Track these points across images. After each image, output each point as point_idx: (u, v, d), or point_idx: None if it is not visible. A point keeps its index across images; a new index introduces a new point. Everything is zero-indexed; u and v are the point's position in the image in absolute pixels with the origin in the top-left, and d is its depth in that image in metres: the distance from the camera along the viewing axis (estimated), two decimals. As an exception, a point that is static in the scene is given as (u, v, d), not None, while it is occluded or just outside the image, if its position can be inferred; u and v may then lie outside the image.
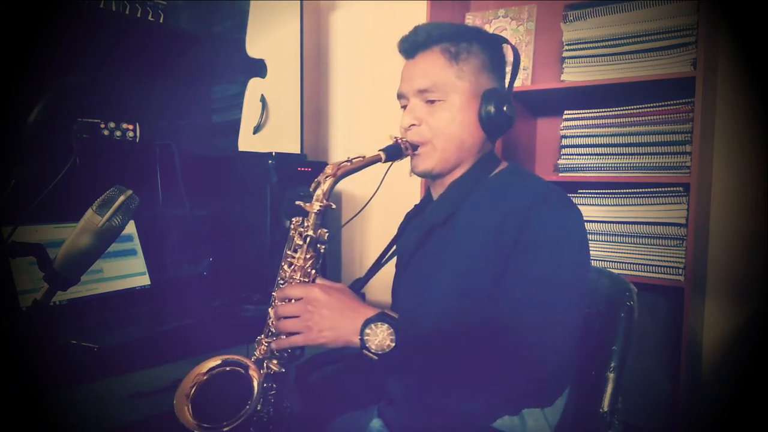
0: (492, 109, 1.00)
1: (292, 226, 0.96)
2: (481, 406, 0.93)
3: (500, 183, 1.03)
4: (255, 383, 0.91)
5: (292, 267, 0.95)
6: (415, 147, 1.03)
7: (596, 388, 0.99)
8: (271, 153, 1.74)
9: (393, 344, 0.84)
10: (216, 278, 1.70)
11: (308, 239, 0.94)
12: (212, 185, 1.81)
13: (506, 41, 1.08)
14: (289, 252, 0.96)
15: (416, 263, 1.09)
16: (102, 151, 1.55)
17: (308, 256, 0.95)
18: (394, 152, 1.00)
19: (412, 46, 1.04)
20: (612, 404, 0.98)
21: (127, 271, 1.57)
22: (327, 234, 0.95)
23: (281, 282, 0.96)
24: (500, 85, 1.06)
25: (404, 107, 1.06)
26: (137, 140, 1.60)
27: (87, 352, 1.19)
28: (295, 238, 0.96)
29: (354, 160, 0.96)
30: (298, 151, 2.21)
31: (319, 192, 0.93)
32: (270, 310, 0.95)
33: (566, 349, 0.87)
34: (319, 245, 0.95)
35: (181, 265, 1.72)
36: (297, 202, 0.94)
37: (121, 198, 0.83)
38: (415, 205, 1.21)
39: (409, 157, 1.04)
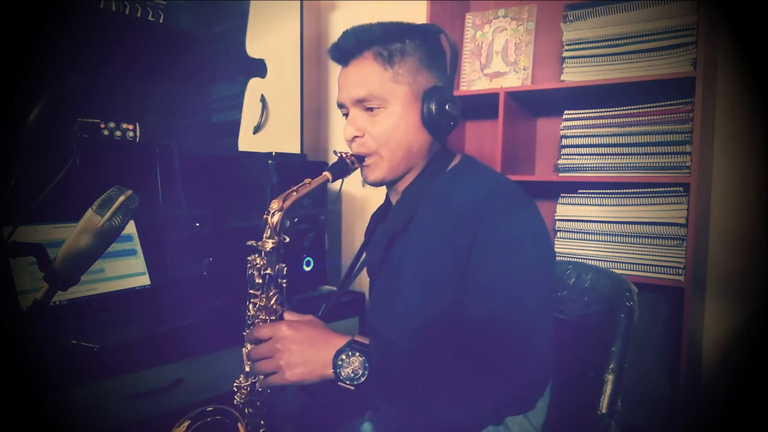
0: (434, 109, 0.96)
1: (248, 265, 0.93)
2: (464, 418, 0.91)
3: (453, 180, 1.00)
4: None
5: (257, 307, 0.93)
6: (361, 159, 0.99)
7: (594, 390, 0.98)
8: (271, 153, 1.74)
9: (366, 373, 0.82)
10: (216, 278, 1.70)
11: (267, 278, 0.92)
12: (212, 185, 1.81)
13: (442, 31, 1.02)
14: (252, 291, 0.93)
15: (384, 272, 1.08)
16: (102, 151, 1.55)
17: (271, 294, 0.92)
18: (340, 169, 0.97)
19: (342, 54, 1.00)
20: (610, 406, 0.96)
21: (127, 271, 1.57)
22: (286, 268, 0.93)
23: (249, 323, 0.94)
24: (441, 80, 1.02)
25: (346, 115, 1.02)
26: (137, 140, 1.60)
27: (87, 352, 1.19)
28: (255, 277, 0.92)
29: (300, 188, 0.92)
30: (298, 151, 2.21)
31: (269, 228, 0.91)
32: (243, 350, 0.94)
33: (542, 353, 0.85)
34: (280, 281, 0.93)
35: (181, 265, 1.72)
36: (249, 242, 0.91)
37: (121, 198, 0.83)
38: (378, 209, 1.20)
39: (359, 169, 1.01)
